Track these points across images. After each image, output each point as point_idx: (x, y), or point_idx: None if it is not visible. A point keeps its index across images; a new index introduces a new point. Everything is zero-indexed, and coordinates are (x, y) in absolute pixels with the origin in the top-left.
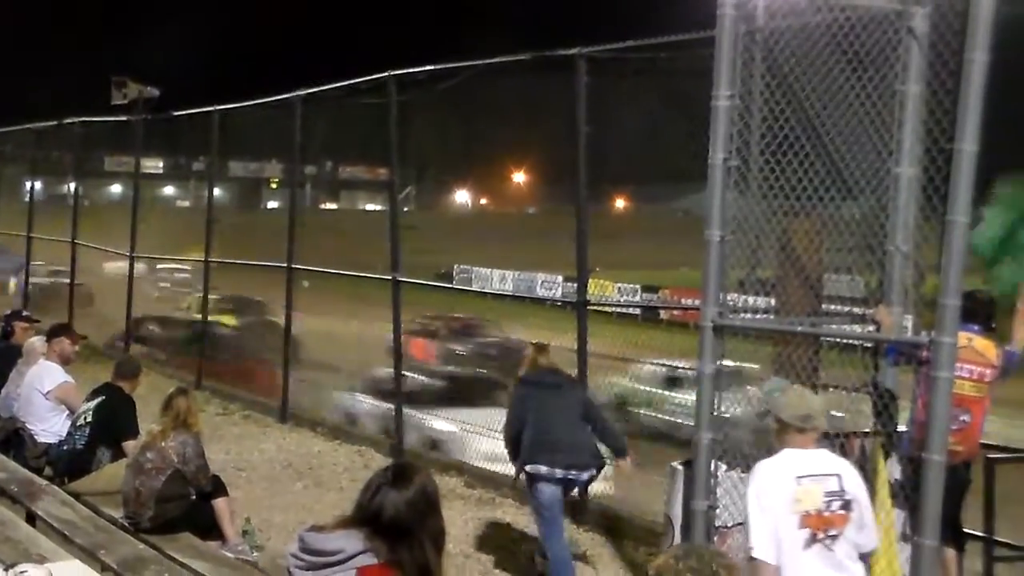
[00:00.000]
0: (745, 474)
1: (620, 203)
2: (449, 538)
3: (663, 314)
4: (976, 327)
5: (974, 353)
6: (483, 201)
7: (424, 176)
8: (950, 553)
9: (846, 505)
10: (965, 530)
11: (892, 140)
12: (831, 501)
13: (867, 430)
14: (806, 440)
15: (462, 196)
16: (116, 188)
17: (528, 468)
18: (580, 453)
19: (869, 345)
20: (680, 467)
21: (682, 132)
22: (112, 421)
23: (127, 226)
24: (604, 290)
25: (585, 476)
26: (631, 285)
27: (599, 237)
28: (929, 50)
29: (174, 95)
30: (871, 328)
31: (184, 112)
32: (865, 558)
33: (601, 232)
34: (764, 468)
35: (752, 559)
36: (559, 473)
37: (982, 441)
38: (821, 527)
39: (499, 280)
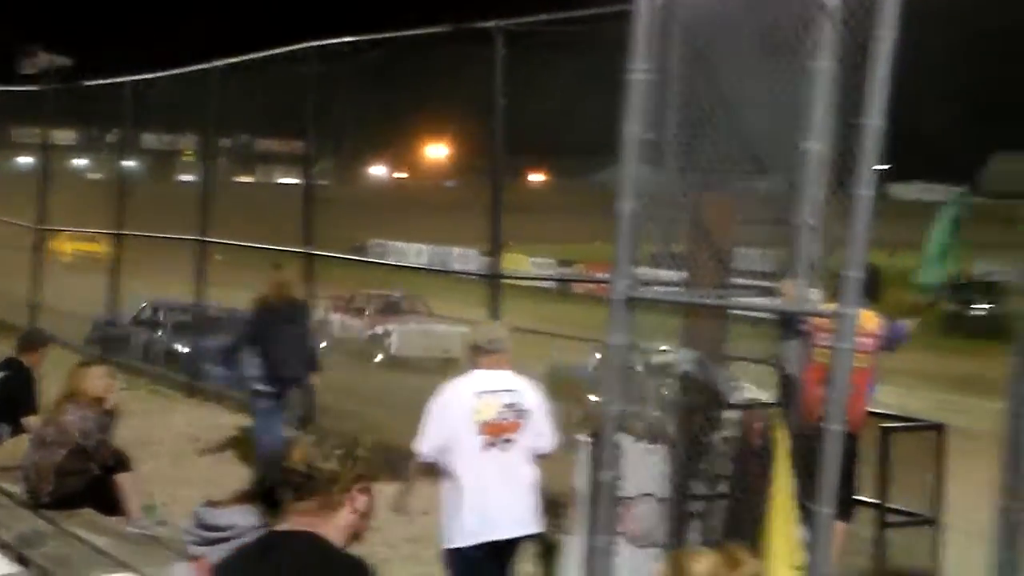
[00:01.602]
0: (652, 446)
1: (537, 177)
2: None
3: (578, 288)
4: None
5: None
6: (402, 175)
7: (342, 149)
8: (837, 524)
9: (520, 415)
10: (858, 498)
11: (804, 116)
12: (506, 412)
13: (770, 401)
14: (492, 361)
15: (380, 169)
16: (25, 159)
17: (261, 388)
18: (301, 375)
19: (776, 318)
20: (586, 439)
21: (599, 106)
22: (11, 396)
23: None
24: (519, 264)
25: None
26: (546, 259)
27: (515, 210)
28: (841, 26)
29: (87, 64)
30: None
31: (96, 82)
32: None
33: (517, 206)
34: (451, 385)
35: (415, 457)
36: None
37: (884, 411)
38: (497, 434)
39: (415, 254)
